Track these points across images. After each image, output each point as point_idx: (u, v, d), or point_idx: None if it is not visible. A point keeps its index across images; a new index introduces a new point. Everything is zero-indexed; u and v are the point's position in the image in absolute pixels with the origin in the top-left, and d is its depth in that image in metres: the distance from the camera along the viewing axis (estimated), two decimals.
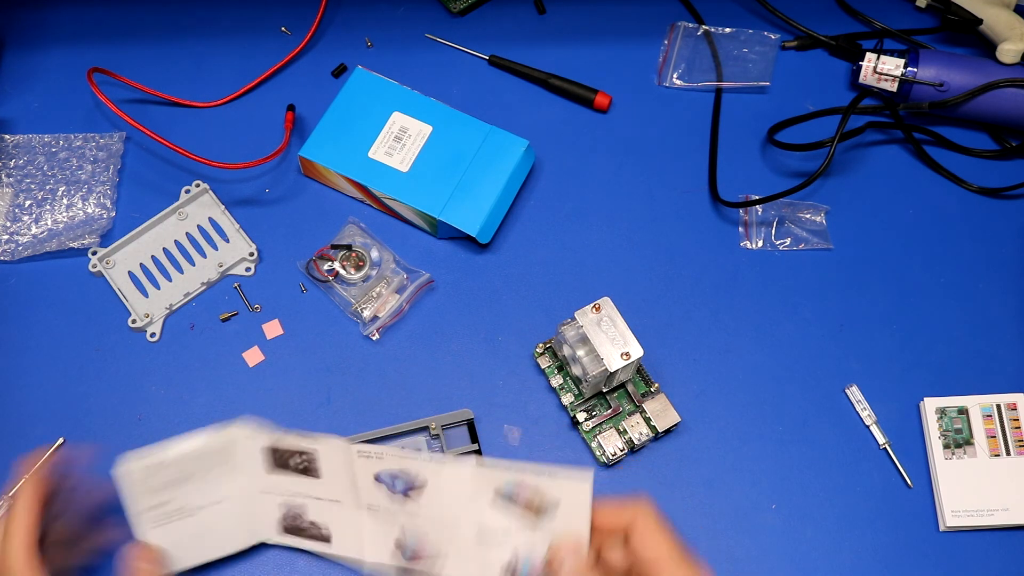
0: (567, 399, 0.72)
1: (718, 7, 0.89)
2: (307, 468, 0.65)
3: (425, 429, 0.72)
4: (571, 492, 0.60)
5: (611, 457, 0.70)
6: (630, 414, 0.72)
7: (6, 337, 0.75)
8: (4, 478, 0.70)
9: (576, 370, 0.71)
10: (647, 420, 0.72)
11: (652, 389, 0.72)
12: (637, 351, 0.67)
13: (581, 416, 0.72)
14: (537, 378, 0.74)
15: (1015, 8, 0.84)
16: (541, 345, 0.74)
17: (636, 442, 0.71)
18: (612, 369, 0.67)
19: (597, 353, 0.67)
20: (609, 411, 0.72)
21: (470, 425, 0.72)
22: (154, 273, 0.77)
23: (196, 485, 0.64)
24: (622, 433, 0.71)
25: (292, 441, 0.64)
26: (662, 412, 0.72)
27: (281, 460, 0.65)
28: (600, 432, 0.72)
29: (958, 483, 0.71)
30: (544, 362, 0.74)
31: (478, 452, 0.71)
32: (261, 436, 0.64)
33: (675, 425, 0.72)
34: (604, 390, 0.72)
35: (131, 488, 0.62)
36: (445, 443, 0.71)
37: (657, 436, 0.72)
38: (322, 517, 0.66)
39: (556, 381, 0.73)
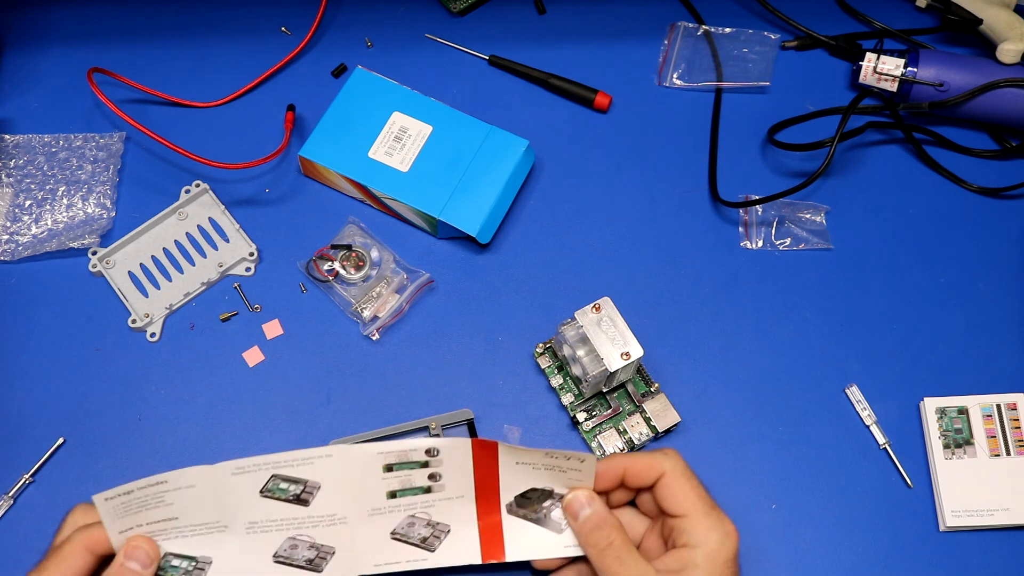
0: (567, 399, 0.72)
1: (718, 7, 0.89)
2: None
3: (425, 429, 0.72)
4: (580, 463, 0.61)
5: None
6: (630, 414, 0.72)
7: (6, 337, 0.75)
8: (4, 479, 0.70)
9: (576, 370, 0.71)
10: (647, 420, 0.72)
11: (652, 389, 0.72)
12: (637, 351, 0.67)
13: (581, 416, 0.72)
14: (537, 378, 0.74)
15: (1015, 8, 0.84)
16: (541, 345, 0.74)
17: (636, 442, 0.71)
18: (612, 369, 0.67)
19: (597, 353, 0.67)
20: (609, 411, 0.72)
21: (470, 425, 0.72)
22: (154, 273, 0.77)
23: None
24: (622, 433, 0.71)
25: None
26: (662, 412, 0.72)
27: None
28: (600, 432, 0.72)
29: (958, 483, 0.71)
30: (544, 362, 0.74)
31: None
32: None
33: (675, 425, 0.72)
34: (604, 390, 0.72)
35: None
36: None
37: (657, 436, 0.72)
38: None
39: (556, 381, 0.73)
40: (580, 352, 0.69)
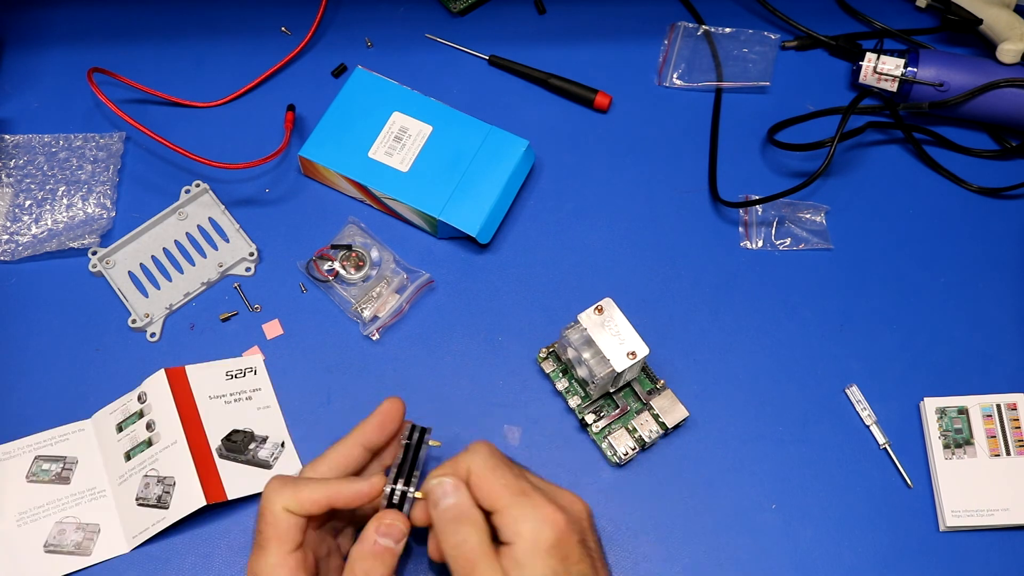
0: (574, 402, 0.72)
1: (718, 7, 0.89)
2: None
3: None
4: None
5: (623, 457, 0.70)
6: (638, 412, 0.72)
7: (6, 337, 0.75)
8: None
9: (582, 372, 0.70)
10: (655, 417, 0.71)
11: (658, 386, 0.72)
12: (643, 350, 0.67)
13: (590, 418, 0.72)
14: (538, 378, 0.74)
15: (1015, 8, 0.84)
16: (544, 350, 0.74)
17: (647, 440, 0.71)
18: (619, 369, 0.67)
19: (603, 355, 0.67)
20: (617, 411, 0.72)
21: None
22: (154, 273, 0.77)
23: None
24: (632, 432, 0.71)
25: None
26: (670, 408, 0.72)
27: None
28: (610, 433, 0.71)
29: (958, 483, 0.71)
30: (548, 367, 0.73)
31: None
32: None
33: (683, 420, 0.71)
34: (611, 390, 0.72)
35: None
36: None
37: (667, 432, 0.72)
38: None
39: (562, 384, 0.73)
40: (586, 355, 0.69)
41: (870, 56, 0.83)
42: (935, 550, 0.70)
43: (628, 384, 0.72)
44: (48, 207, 0.79)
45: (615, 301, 0.69)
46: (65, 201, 0.79)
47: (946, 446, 0.72)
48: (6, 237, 0.77)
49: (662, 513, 0.70)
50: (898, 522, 0.70)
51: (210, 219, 0.79)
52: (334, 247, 0.77)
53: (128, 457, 0.69)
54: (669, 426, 0.71)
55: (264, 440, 0.71)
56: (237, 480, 0.69)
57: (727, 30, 0.88)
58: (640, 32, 0.88)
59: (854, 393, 0.74)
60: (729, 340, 0.76)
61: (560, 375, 0.73)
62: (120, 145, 0.82)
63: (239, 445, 0.70)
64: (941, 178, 0.83)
